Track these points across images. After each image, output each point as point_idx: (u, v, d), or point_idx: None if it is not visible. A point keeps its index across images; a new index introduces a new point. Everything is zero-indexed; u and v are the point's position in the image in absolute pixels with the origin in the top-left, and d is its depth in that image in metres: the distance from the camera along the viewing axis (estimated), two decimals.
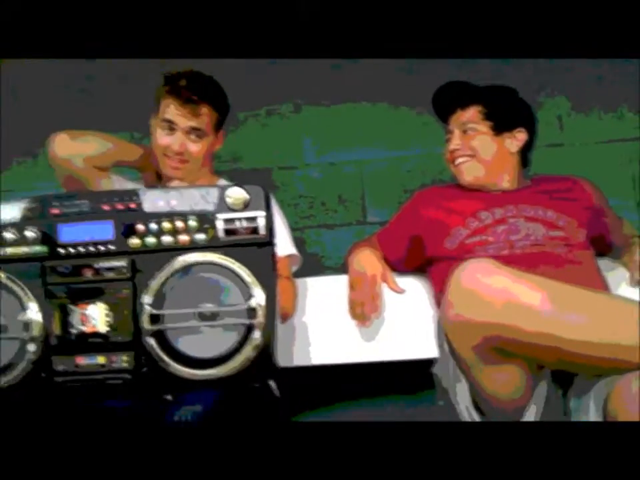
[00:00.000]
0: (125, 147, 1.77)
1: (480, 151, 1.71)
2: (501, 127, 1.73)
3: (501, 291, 1.20)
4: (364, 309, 1.67)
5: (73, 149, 1.64)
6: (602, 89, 2.16)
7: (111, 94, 2.24)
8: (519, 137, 1.75)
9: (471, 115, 1.74)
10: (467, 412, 1.33)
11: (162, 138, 1.68)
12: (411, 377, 1.68)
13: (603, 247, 1.75)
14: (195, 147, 1.68)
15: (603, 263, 1.68)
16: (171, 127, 1.67)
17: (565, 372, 1.29)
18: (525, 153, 1.79)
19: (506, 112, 1.75)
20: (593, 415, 1.18)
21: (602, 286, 1.58)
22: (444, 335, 1.33)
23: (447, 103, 1.80)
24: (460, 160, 1.73)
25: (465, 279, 1.24)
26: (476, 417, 1.32)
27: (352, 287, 1.71)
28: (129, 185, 1.73)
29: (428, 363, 1.50)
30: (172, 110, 1.66)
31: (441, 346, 1.39)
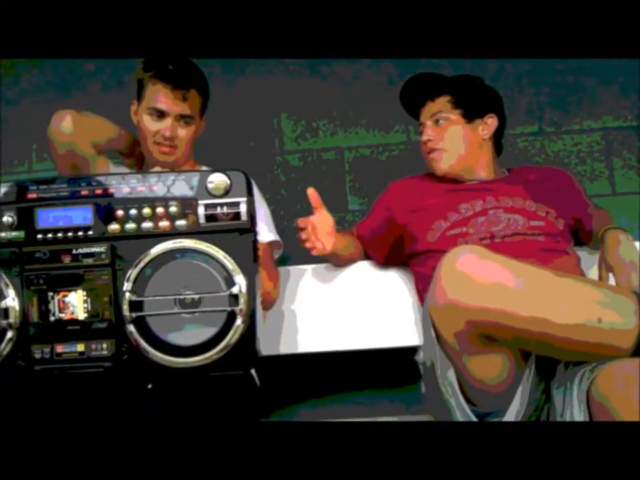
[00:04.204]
0: (122, 133, 1.76)
1: (453, 141, 1.71)
2: (471, 114, 1.73)
3: (493, 276, 1.20)
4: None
5: (82, 128, 1.61)
6: None
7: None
8: (490, 122, 1.75)
9: (441, 104, 1.74)
10: (453, 397, 1.33)
11: (152, 125, 1.67)
12: (396, 367, 1.68)
13: (584, 235, 1.76)
14: (184, 132, 1.68)
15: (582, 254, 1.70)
16: (160, 114, 1.66)
17: (547, 363, 1.30)
18: (498, 141, 1.79)
19: (475, 98, 1.75)
20: (576, 404, 1.19)
21: (581, 275, 1.59)
22: (430, 321, 1.33)
23: (415, 96, 1.79)
24: (433, 151, 1.73)
25: (459, 264, 1.23)
26: (462, 401, 1.33)
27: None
28: (121, 169, 1.74)
29: (412, 351, 1.51)
30: (162, 98, 1.65)
31: (426, 333, 1.38)
